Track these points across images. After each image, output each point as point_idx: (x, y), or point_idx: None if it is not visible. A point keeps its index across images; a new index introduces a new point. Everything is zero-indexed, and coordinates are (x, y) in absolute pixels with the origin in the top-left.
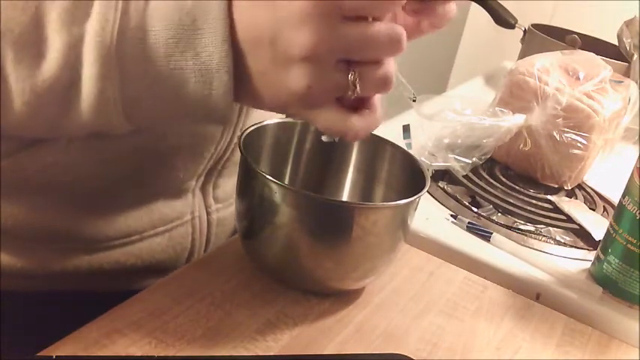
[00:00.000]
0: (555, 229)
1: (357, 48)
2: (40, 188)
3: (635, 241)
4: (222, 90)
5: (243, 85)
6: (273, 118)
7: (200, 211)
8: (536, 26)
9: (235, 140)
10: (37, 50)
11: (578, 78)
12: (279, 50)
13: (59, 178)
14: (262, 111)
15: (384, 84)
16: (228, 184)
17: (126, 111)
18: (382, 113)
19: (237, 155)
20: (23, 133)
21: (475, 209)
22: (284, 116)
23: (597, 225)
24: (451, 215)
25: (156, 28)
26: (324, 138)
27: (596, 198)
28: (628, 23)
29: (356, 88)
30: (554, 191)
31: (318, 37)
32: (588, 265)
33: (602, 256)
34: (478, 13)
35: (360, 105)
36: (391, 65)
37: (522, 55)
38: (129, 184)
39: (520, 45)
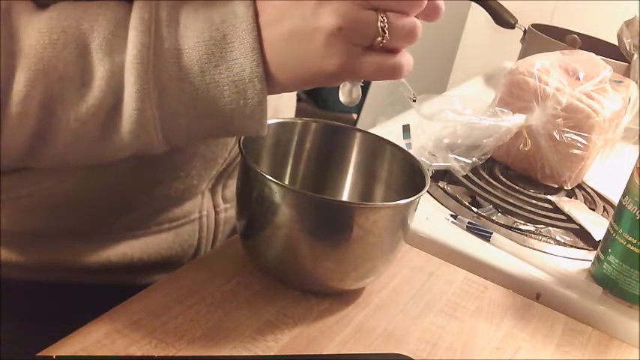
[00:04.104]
0: (555, 229)
1: None
2: (55, 196)
3: (635, 241)
4: (256, 99)
5: (275, 70)
6: (273, 119)
7: (208, 210)
8: (536, 26)
9: None
10: (81, 81)
11: (578, 78)
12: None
13: (70, 194)
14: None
15: (411, 34)
16: None
17: (165, 130)
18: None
19: None
20: (62, 164)
21: (475, 209)
22: (283, 117)
23: (597, 225)
24: (451, 215)
25: (188, 46)
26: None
27: (596, 198)
28: (628, 23)
29: (385, 34)
30: (554, 191)
31: None
32: (588, 265)
33: (602, 256)
34: (478, 13)
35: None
36: (416, 19)
37: (522, 55)
38: (141, 191)
39: (520, 45)
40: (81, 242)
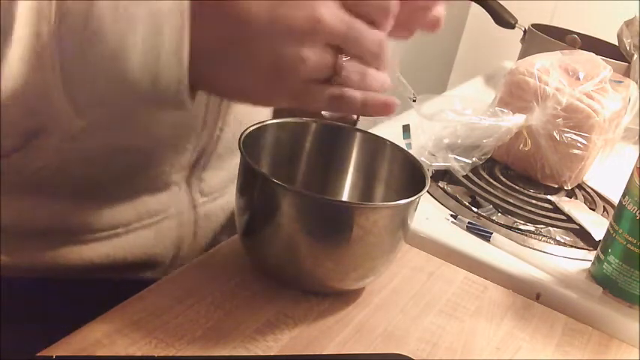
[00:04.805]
0: (555, 229)
1: (350, 38)
2: (29, 189)
3: (635, 241)
4: (173, 46)
5: (221, 61)
6: (273, 118)
7: (186, 204)
8: (536, 26)
9: (217, 132)
10: None
11: (578, 78)
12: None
13: (49, 180)
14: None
15: (366, 81)
16: (214, 177)
17: (65, 79)
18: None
19: (222, 149)
20: None
21: (475, 209)
22: (283, 116)
23: (597, 225)
24: (451, 215)
25: None
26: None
27: (596, 198)
28: (628, 23)
29: (340, 73)
30: (554, 191)
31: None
32: (588, 265)
33: (602, 256)
34: (478, 13)
35: None
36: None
37: (522, 55)
38: (116, 181)
39: (520, 45)
40: (63, 243)
